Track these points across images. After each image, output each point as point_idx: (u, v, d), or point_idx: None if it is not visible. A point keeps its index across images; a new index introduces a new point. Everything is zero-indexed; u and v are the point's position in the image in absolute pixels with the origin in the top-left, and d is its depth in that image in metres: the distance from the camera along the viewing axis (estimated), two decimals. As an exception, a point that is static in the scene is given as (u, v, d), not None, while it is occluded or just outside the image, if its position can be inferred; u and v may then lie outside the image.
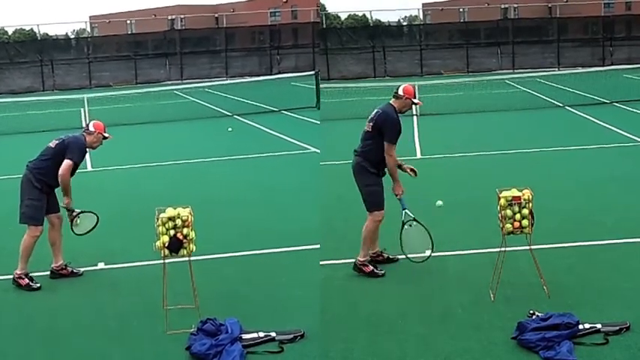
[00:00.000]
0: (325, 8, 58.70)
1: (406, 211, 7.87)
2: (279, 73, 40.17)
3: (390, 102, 7.93)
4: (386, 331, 6.32)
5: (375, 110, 7.95)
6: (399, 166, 7.93)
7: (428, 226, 7.77)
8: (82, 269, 8.17)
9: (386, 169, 7.86)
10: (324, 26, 48.39)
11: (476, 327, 6.25)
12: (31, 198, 7.86)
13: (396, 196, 7.88)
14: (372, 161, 7.80)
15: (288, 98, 25.67)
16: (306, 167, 14.10)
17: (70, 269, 8.07)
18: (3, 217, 11.10)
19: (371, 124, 7.85)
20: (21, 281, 7.80)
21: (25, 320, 6.92)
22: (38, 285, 7.78)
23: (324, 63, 41.40)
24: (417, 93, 8.09)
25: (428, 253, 7.71)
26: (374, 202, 7.79)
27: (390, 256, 8.12)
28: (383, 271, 7.79)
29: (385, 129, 7.73)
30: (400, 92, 7.90)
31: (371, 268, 7.77)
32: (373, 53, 43.24)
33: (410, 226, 7.83)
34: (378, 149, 7.76)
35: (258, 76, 37.47)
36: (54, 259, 8.04)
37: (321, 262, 8.03)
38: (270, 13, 55.48)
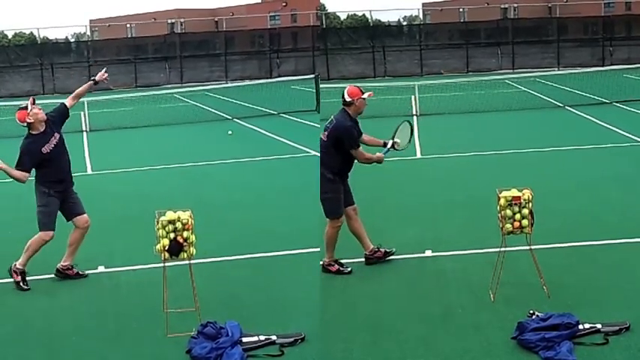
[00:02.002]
0: (325, 8, 58.79)
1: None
2: (279, 76, 40.14)
3: (344, 109, 7.86)
4: (386, 331, 6.33)
5: (330, 119, 7.95)
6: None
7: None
8: (82, 272, 8.16)
9: (350, 173, 7.99)
10: (324, 26, 48.43)
11: (476, 327, 6.25)
12: (39, 205, 7.87)
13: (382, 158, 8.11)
14: (329, 168, 7.83)
15: (287, 101, 25.67)
16: (306, 170, 14.08)
17: (75, 270, 8.06)
18: (3, 222, 11.12)
19: (326, 132, 7.87)
20: (15, 276, 7.84)
21: (24, 323, 6.91)
22: (27, 287, 7.79)
23: (324, 63, 41.42)
24: (361, 89, 7.87)
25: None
26: (328, 210, 7.90)
27: (387, 250, 8.12)
28: (349, 269, 7.87)
29: (342, 138, 7.75)
30: (347, 98, 7.79)
31: (336, 267, 7.87)
32: (373, 53, 43.25)
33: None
34: (335, 157, 7.81)
35: (258, 79, 37.41)
36: (64, 257, 8.02)
37: (321, 262, 8.02)
38: (270, 16, 55.48)
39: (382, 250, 8.12)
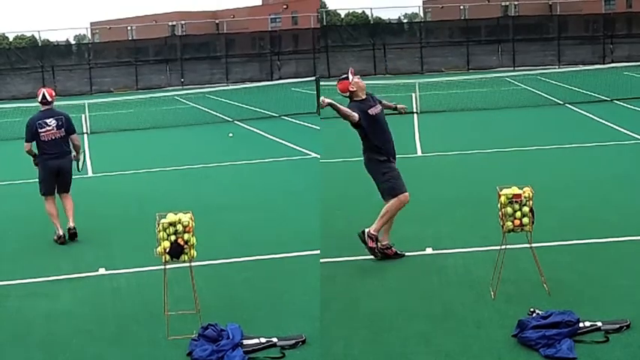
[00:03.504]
0: (325, 5, 58.83)
1: None
2: (280, 78, 40.14)
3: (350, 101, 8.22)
4: (387, 328, 6.32)
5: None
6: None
7: None
8: (83, 274, 8.16)
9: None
10: (325, 23, 48.47)
11: (476, 325, 6.24)
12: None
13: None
14: (366, 150, 8.13)
15: (288, 104, 25.66)
16: (307, 172, 14.08)
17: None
18: (3, 222, 11.12)
19: None
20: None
21: (24, 326, 6.89)
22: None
23: (325, 61, 41.44)
24: (349, 75, 8.27)
25: None
26: (386, 190, 8.05)
27: (398, 252, 8.13)
28: (393, 251, 7.98)
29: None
30: (346, 94, 8.22)
31: (374, 244, 7.91)
32: (373, 51, 43.30)
33: None
34: (364, 140, 8.13)
35: (259, 81, 37.41)
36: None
37: (322, 260, 8.01)
38: (271, 19, 55.49)
39: (394, 249, 8.13)
